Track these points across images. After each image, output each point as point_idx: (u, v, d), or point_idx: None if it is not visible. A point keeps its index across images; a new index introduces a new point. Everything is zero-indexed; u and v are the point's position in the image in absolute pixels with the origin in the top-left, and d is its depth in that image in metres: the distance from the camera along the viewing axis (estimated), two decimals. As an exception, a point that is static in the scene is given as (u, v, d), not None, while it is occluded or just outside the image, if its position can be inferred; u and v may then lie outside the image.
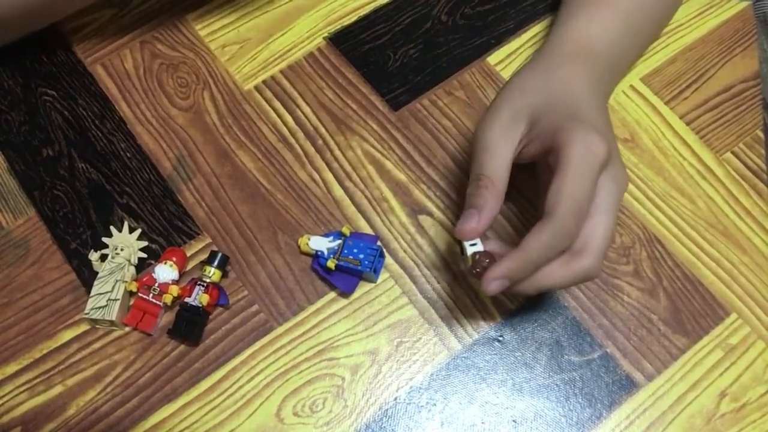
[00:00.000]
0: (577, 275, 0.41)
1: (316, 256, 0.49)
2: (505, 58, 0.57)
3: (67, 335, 0.48)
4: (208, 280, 0.48)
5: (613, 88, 0.53)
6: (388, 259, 0.50)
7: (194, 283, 0.48)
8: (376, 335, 0.48)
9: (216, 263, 0.48)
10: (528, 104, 0.45)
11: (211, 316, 0.48)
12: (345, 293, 0.49)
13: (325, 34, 0.59)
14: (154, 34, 0.59)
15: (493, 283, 0.40)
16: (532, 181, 0.47)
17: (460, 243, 0.45)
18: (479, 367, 0.47)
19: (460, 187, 0.52)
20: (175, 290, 0.47)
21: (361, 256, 0.48)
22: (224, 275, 0.49)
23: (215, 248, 0.50)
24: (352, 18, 0.59)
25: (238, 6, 0.60)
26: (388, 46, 0.58)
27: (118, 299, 0.47)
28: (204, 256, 0.49)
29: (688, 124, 0.55)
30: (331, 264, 0.47)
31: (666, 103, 0.55)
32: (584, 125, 0.41)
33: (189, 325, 0.47)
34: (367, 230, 0.51)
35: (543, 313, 0.48)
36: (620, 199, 0.42)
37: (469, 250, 0.43)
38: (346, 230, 0.49)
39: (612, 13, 0.50)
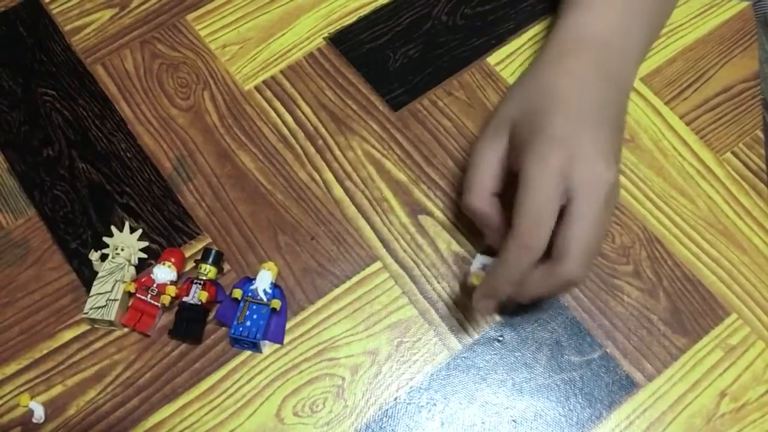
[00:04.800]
0: (558, 281, 0.41)
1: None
2: (505, 59, 0.57)
3: (68, 335, 0.48)
4: (204, 278, 0.48)
5: (626, 76, 0.49)
6: (389, 259, 0.50)
7: (191, 282, 0.48)
8: (376, 335, 0.48)
9: (210, 260, 0.48)
10: (509, 116, 0.45)
11: (211, 317, 0.48)
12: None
13: (326, 35, 0.59)
14: (154, 35, 0.59)
15: (480, 303, 0.44)
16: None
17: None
18: (479, 367, 0.47)
19: (460, 187, 0.52)
20: (172, 290, 0.47)
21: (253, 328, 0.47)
22: (220, 272, 0.49)
23: (215, 248, 0.50)
24: (352, 18, 0.59)
25: (239, 6, 0.60)
26: (388, 47, 0.58)
27: (118, 299, 0.47)
28: (204, 256, 0.49)
29: (688, 124, 0.55)
30: None
31: (666, 104, 0.55)
32: (540, 138, 0.41)
33: (190, 324, 0.47)
34: (367, 229, 0.51)
35: (543, 313, 0.48)
36: (598, 201, 0.41)
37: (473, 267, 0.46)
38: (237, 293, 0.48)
39: (606, 1, 0.49)
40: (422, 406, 0.46)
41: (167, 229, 0.51)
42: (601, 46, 0.47)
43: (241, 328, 0.46)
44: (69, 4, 0.60)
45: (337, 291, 0.49)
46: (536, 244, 0.40)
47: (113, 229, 0.51)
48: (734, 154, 0.53)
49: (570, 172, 0.41)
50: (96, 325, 0.48)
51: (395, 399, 0.46)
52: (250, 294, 0.47)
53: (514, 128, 0.45)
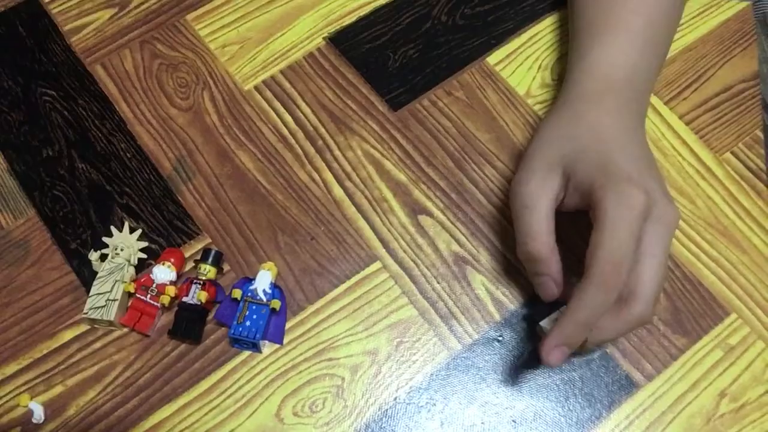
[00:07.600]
0: (630, 323, 0.41)
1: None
2: (505, 58, 0.57)
3: (67, 335, 0.48)
4: (203, 278, 0.48)
5: (645, 112, 0.50)
6: (388, 259, 0.50)
7: (190, 282, 0.48)
8: (375, 335, 0.48)
9: (210, 260, 0.48)
10: (559, 155, 0.45)
11: (210, 317, 0.48)
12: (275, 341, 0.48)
13: (325, 34, 0.59)
14: (153, 34, 0.59)
15: (552, 354, 0.41)
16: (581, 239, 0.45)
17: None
18: (479, 367, 0.47)
19: (459, 187, 0.52)
20: (172, 290, 0.47)
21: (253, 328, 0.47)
22: (219, 272, 0.49)
23: (214, 248, 0.50)
24: (352, 18, 0.59)
25: (238, 6, 0.60)
26: (388, 46, 0.58)
27: (117, 299, 0.47)
28: (204, 257, 0.49)
29: (687, 124, 0.55)
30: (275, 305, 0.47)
31: (666, 103, 0.55)
32: (617, 178, 0.41)
33: (189, 324, 0.47)
34: (367, 230, 0.51)
35: (543, 313, 0.48)
36: (669, 239, 0.41)
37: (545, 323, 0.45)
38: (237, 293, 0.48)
39: (627, 37, 0.49)
40: (422, 406, 0.46)
41: (167, 229, 0.51)
42: (623, 86, 0.47)
43: (240, 329, 0.46)
44: (68, 4, 0.61)
45: (336, 291, 0.49)
46: (618, 285, 0.39)
47: (113, 229, 0.51)
48: (734, 154, 0.53)
49: (649, 213, 0.40)
50: (95, 325, 0.48)
51: (395, 399, 0.46)
52: (249, 294, 0.47)
53: (567, 167, 0.44)
